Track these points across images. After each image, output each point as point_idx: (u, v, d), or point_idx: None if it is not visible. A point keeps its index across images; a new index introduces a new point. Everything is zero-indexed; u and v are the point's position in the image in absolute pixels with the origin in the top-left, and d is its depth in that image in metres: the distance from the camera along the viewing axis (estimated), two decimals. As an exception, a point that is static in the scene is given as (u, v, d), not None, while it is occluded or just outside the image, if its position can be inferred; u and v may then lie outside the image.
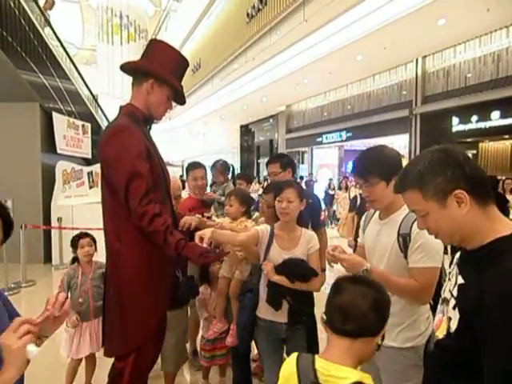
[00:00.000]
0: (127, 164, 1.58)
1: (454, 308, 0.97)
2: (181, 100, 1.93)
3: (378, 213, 1.70)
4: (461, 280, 0.99)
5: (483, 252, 0.94)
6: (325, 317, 1.04)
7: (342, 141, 14.13)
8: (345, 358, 1.00)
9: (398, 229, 1.51)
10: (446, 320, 1.00)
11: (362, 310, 0.99)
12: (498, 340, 0.81)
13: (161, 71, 1.74)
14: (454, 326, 0.96)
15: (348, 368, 0.98)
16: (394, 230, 1.53)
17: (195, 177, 2.97)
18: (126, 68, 1.82)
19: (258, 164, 20.53)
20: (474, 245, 0.97)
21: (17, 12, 6.75)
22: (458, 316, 0.94)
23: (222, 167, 3.60)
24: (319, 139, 14.94)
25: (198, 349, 2.89)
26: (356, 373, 0.98)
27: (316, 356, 1.04)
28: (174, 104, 1.92)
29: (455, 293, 0.99)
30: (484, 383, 0.83)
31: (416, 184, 0.99)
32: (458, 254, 1.10)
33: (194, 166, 3.06)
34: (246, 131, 21.12)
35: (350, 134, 13.47)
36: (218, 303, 2.49)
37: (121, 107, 1.80)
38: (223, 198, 3.07)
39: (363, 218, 1.88)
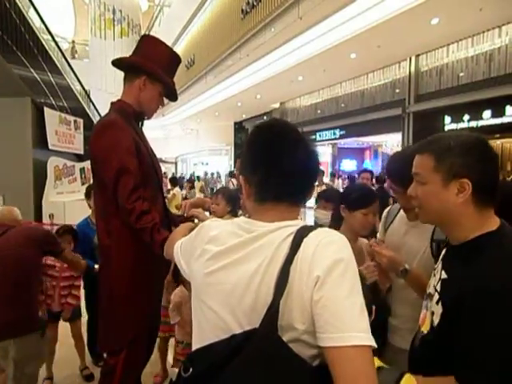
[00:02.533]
0: (115, 160, 1.57)
1: (437, 303, 0.98)
2: (173, 97, 1.92)
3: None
4: (444, 275, 1.00)
5: (465, 248, 0.96)
6: None
7: (335, 138, 14.18)
8: None
9: (431, 234, 1.46)
10: (430, 315, 1.01)
11: None
12: (475, 337, 0.82)
13: (154, 68, 1.73)
14: (436, 320, 0.97)
15: None
16: (426, 234, 1.47)
17: None
18: (119, 64, 1.82)
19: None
20: (458, 239, 0.99)
21: (7, 5, 6.65)
22: (440, 311, 0.95)
23: None
24: (313, 137, 14.97)
25: (171, 356, 2.79)
26: None
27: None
28: (166, 101, 1.91)
29: (439, 288, 1.01)
30: (465, 378, 0.84)
31: (437, 152, 0.98)
32: (443, 251, 1.11)
33: None
34: (239, 128, 21.10)
35: (343, 132, 13.52)
36: None
37: (112, 103, 1.79)
38: None
39: (385, 213, 1.81)
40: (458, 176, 0.94)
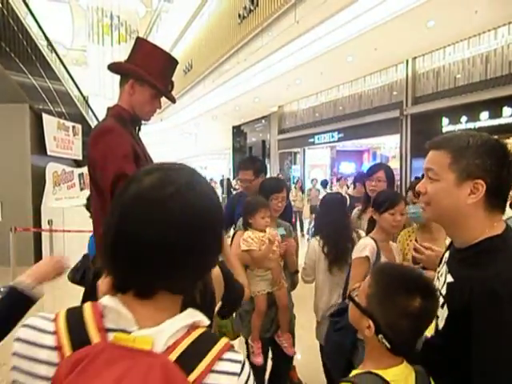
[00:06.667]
0: (113, 165, 1.55)
1: (441, 306, 0.97)
2: (167, 98, 1.90)
3: None
4: (450, 278, 0.99)
5: (472, 251, 0.95)
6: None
7: (333, 141, 14.19)
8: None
9: None
10: (434, 318, 1.01)
11: None
12: (484, 340, 0.82)
13: (138, 71, 1.71)
14: (441, 324, 0.96)
15: None
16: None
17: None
18: (111, 69, 1.82)
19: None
20: (464, 241, 0.98)
21: (5, 12, 6.67)
22: (445, 314, 0.95)
23: None
24: (311, 140, 14.99)
25: None
26: None
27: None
28: (166, 103, 1.89)
29: (444, 291, 1.00)
30: (471, 382, 0.84)
31: (455, 150, 0.94)
32: (447, 254, 1.10)
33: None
34: (238, 132, 21.10)
35: (341, 135, 13.53)
36: (256, 324, 2.29)
37: (108, 108, 1.78)
38: None
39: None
40: (472, 176, 0.91)
